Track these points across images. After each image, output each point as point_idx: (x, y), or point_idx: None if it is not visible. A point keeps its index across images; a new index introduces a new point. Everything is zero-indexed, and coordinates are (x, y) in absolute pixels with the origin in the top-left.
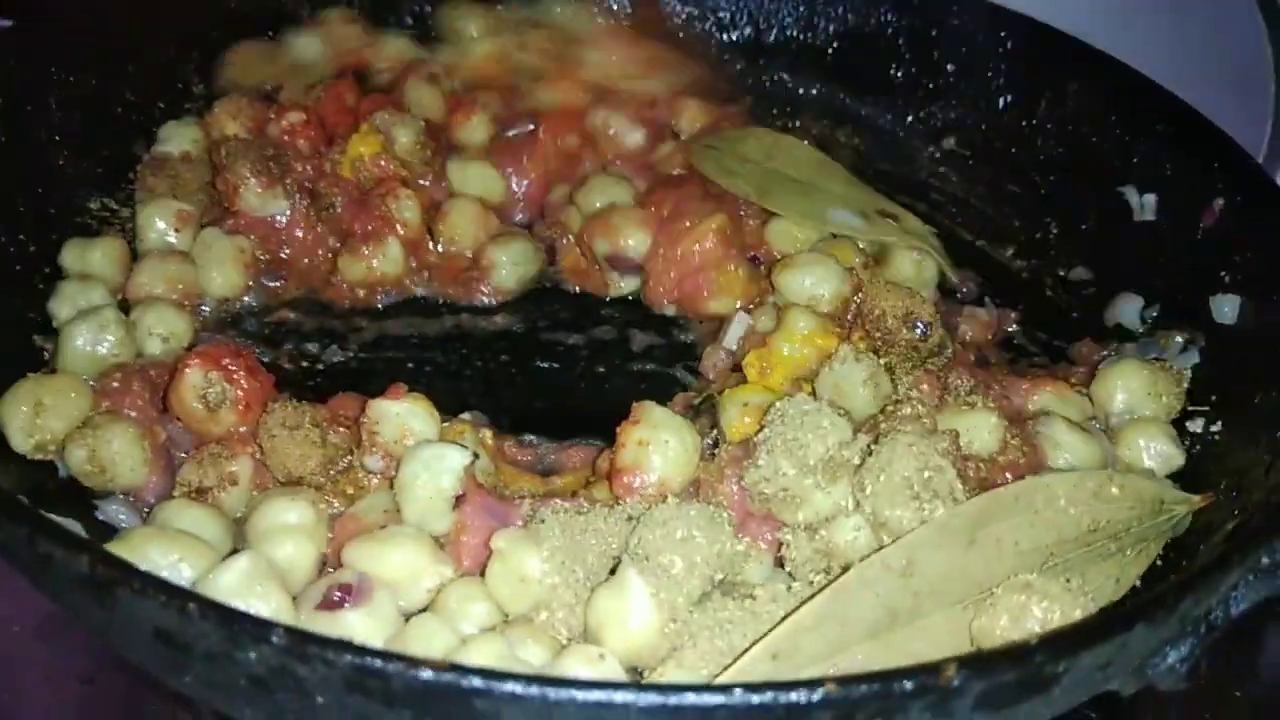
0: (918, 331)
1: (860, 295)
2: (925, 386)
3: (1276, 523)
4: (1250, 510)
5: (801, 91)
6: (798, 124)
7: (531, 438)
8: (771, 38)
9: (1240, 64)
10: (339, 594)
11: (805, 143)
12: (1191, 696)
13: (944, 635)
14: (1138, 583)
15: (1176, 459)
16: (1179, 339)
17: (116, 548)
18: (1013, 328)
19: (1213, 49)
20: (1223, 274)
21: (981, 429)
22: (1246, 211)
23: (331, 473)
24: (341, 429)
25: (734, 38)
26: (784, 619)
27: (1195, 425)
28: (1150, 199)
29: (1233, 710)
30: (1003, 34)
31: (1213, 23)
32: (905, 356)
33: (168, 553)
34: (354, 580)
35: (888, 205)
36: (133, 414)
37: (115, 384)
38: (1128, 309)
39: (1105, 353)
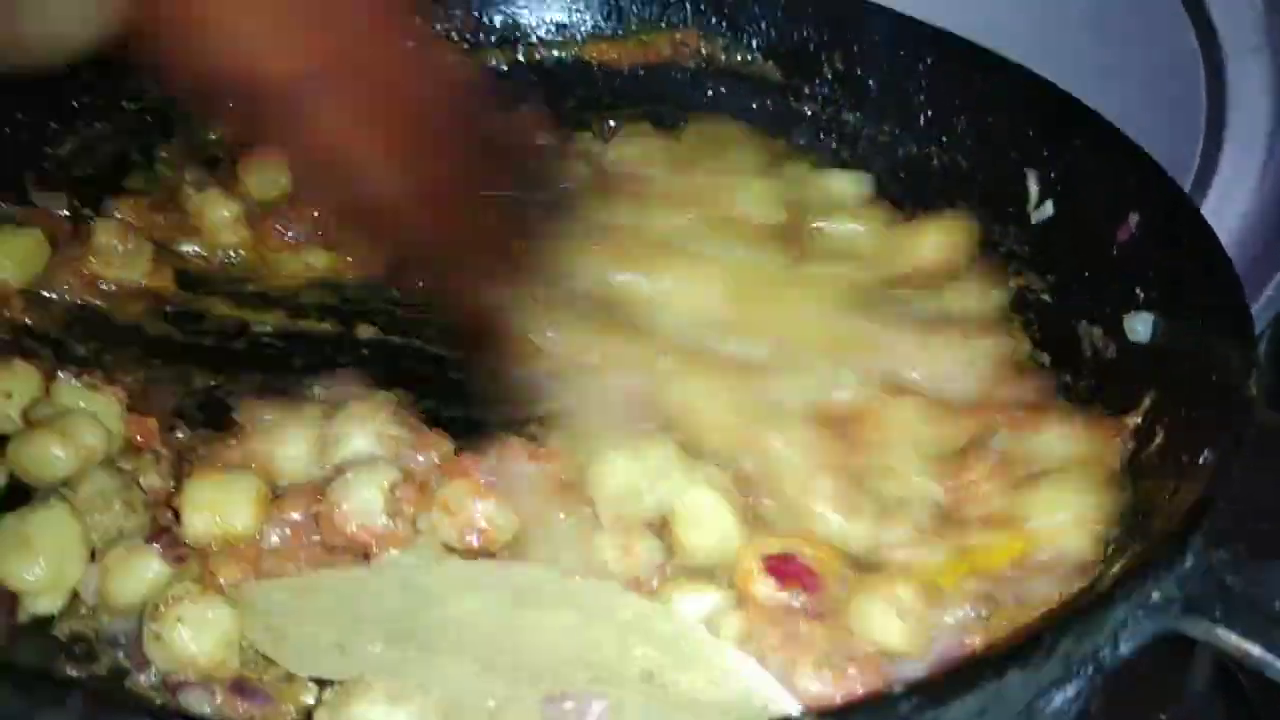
0: None
1: None
2: None
3: (1167, 556)
4: (1147, 540)
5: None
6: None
7: None
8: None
9: (1173, 81)
10: None
11: None
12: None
13: None
14: None
15: None
16: None
17: None
18: None
19: (1145, 67)
20: (1138, 291)
21: None
22: (1161, 226)
23: None
24: None
25: None
26: None
27: None
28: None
29: None
30: (921, 48)
31: (1146, 40)
32: None
33: None
34: None
35: None
36: None
37: None
38: None
39: None
